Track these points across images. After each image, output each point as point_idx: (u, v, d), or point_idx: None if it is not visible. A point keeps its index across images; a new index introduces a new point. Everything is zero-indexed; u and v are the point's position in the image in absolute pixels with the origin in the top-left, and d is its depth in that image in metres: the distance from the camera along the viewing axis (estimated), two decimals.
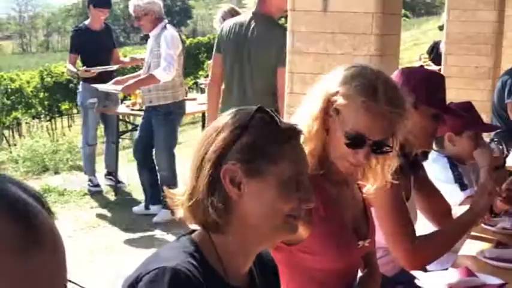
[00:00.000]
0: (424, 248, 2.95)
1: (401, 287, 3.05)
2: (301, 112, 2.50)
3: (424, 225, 3.35)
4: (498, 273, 2.86)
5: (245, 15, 5.79)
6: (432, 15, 31.04)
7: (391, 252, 3.03)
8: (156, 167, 7.75)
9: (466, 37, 7.84)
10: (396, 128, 2.44)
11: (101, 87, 8.24)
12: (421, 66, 2.89)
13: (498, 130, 6.95)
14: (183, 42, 7.62)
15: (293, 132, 1.85)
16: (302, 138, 1.91)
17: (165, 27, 7.45)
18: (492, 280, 2.76)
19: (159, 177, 7.73)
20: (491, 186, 3.13)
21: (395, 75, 3.22)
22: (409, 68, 3.28)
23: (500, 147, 4.14)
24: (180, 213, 1.89)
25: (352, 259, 2.59)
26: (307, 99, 2.53)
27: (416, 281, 2.77)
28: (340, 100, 2.42)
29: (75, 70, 8.70)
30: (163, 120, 7.52)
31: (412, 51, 24.30)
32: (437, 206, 3.36)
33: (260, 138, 1.81)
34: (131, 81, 7.74)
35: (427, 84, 3.16)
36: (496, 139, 4.82)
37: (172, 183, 7.52)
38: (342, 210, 2.56)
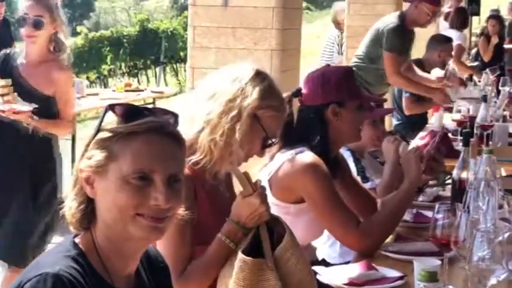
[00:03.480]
0: (370, 227, 3.02)
1: None
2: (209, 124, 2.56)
3: None
4: (398, 266, 2.90)
5: None
6: None
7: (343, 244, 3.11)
8: None
9: (366, 31, 7.94)
10: None
11: None
12: (328, 65, 2.92)
13: (399, 122, 7.10)
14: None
15: (141, 128, 1.74)
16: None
17: None
18: (392, 273, 2.79)
19: None
20: (416, 153, 3.29)
21: (307, 80, 3.21)
22: (318, 69, 3.28)
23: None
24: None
25: None
26: (218, 112, 2.57)
27: (317, 276, 2.77)
28: (269, 113, 2.61)
29: None
30: None
31: (314, 44, 24.51)
32: (365, 203, 3.37)
33: (105, 135, 1.75)
34: None
35: (345, 79, 3.19)
36: (397, 132, 4.88)
37: None
38: (227, 203, 2.58)
